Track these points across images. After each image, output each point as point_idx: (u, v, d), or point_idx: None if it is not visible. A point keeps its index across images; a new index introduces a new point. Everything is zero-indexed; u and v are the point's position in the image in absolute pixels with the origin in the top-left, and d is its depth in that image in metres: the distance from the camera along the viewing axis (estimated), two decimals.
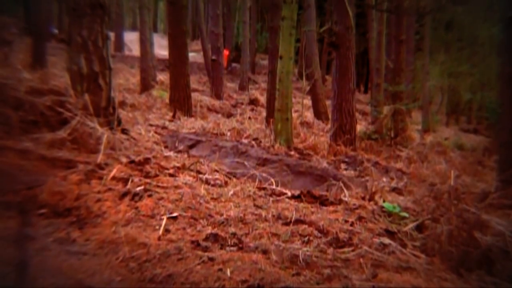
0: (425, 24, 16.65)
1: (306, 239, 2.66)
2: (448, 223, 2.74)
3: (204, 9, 22.15)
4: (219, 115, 11.33)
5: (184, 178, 3.56)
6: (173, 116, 9.41)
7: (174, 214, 2.77)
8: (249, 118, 11.40)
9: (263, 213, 3.02)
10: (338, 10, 8.31)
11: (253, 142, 7.54)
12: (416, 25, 16.29)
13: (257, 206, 3.20)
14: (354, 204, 3.51)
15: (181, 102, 10.22)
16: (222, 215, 2.88)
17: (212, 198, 3.20)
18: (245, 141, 7.54)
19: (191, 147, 6.42)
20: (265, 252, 2.40)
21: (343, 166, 6.94)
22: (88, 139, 4.32)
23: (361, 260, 2.42)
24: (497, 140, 6.15)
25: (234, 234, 2.59)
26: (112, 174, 3.25)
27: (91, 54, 4.81)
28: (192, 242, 2.43)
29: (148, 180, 3.26)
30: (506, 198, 3.92)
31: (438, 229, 2.78)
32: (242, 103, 13.99)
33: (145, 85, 12.76)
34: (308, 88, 12.90)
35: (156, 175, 3.44)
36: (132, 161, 3.68)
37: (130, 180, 3.19)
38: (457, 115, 23.27)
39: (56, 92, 4.91)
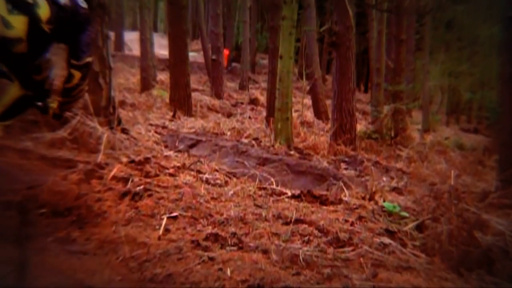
0: (425, 23, 16.64)
1: (306, 238, 2.66)
2: (448, 223, 2.74)
3: (204, 9, 22.14)
4: (219, 115, 11.33)
5: (184, 177, 3.56)
6: (173, 116, 9.41)
7: (174, 214, 2.77)
8: (249, 117, 11.41)
9: (263, 213, 3.02)
10: (338, 10, 8.31)
11: (253, 142, 7.55)
12: (416, 25, 16.27)
13: (257, 206, 3.20)
14: (354, 204, 3.51)
15: (181, 102, 10.22)
16: (222, 214, 2.88)
17: (212, 198, 3.20)
18: (245, 140, 7.55)
19: (191, 146, 6.42)
20: (265, 251, 2.40)
21: (343, 165, 6.94)
22: (88, 138, 4.32)
23: (361, 259, 2.42)
24: (497, 140, 6.16)
25: (234, 233, 2.59)
26: (112, 173, 3.26)
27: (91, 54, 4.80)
28: (192, 241, 2.43)
29: (148, 180, 3.26)
30: (506, 198, 3.93)
31: (438, 228, 2.78)
32: (242, 103, 13.99)
33: (145, 85, 12.76)
34: (308, 87, 12.90)
35: (156, 175, 3.44)
36: (132, 161, 3.69)
37: (130, 180, 3.19)
38: (457, 114, 23.26)
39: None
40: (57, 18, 2.19)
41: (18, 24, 2.02)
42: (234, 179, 3.98)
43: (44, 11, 2.12)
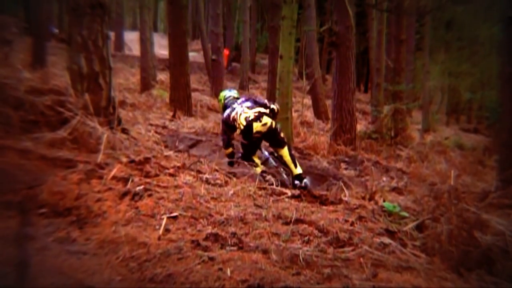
0: (425, 23, 16.65)
1: (306, 238, 2.66)
2: (448, 223, 2.74)
3: (204, 9, 22.14)
4: (219, 115, 11.31)
5: (184, 177, 3.56)
6: (173, 116, 9.41)
7: (174, 214, 2.77)
8: None
9: (263, 213, 3.02)
10: (338, 10, 8.31)
11: None
12: (416, 25, 16.27)
13: (257, 206, 3.20)
14: (354, 204, 3.51)
15: (181, 102, 10.23)
16: (222, 214, 2.88)
17: (212, 198, 3.20)
18: None
19: (191, 146, 6.43)
20: (265, 251, 2.40)
21: (343, 165, 6.95)
22: (88, 138, 4.31)
23: (361, 259, 2.42)
24: (497, 140, 6.16)
25: (234, 233, 2.59)
26: (112, 173, 3.25)
27: (91, 54, 4.81)
28: (192, 241, 2.43)
29: (148, 180, 3.26)
30: (506, 198, 3.93)
31: (438, 228, 2.78)
32: None
33: (145, 85, 12.77)
34: (308, 87, 12.91)
35: (156, 175, 3.44)
36: (132, 161, 3.68)
37: (130, 180, 3.19)
38: (457, 114, 23.27)
39: (56, 91, 4.90)
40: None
41: (267, 121, 4.78)
42: (234, 179, 3.97)
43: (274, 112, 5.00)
